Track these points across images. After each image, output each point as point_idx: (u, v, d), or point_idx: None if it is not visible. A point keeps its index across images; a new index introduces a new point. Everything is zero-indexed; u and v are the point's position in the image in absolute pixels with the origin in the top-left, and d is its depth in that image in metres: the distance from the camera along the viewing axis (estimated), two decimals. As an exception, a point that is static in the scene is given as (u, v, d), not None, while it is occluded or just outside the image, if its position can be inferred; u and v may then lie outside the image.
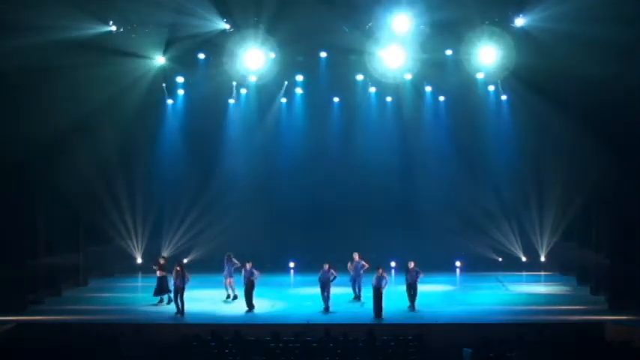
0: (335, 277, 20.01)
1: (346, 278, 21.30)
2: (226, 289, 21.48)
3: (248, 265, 20.20)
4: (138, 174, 27.03)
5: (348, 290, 21.35)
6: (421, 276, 20.15)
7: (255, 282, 20.10)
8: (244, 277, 20.17)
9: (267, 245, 26.97)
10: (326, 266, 20.04)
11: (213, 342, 15.48)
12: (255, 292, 20.12)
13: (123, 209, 26.63)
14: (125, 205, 26.64)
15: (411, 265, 20.18)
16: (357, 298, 21.32)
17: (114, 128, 24.88)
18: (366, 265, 21.27)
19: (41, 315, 19.49)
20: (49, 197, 23.38)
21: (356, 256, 21.44)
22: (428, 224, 27.46)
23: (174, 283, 19.73)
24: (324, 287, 19.96)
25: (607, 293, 20.65)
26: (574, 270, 25.23)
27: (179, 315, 19.39)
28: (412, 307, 19.91)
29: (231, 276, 21.39)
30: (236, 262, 21.28)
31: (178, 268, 19.90)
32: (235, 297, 21.28)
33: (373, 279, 19.45)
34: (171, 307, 19.90)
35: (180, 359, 14.90)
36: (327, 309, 19.81)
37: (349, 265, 21.43)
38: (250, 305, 19.96)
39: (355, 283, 21.36)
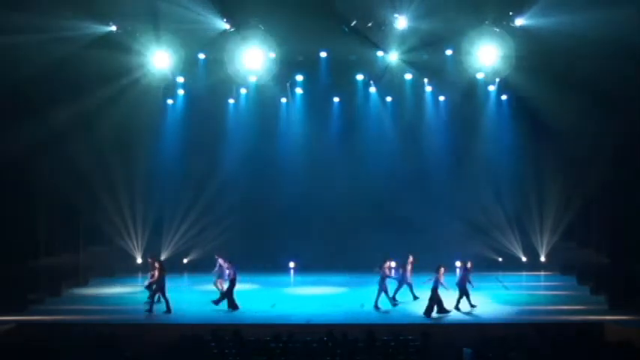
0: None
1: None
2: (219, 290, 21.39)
3: (227, 265, 20.21)
4: (138, 174, 27.03)
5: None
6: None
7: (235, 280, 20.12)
8: (229, 276, 20.10)
9: (267, 245, 26.94)
10: (393, 264, 20.32)
11: (213, 342, 15.46)
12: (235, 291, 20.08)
13: (123, 209, 26.65)
14: (125, 205, 26.66)
15: (469, 264, 20.09)
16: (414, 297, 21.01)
17: (114, 129, 24.92)
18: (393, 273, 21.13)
19: (41, 315, 19.45)
20: (49, 197, 23.40)
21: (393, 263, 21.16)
22: (428, 224, 27.41)
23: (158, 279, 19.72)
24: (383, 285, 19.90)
25: (607, 293, 20.64)
26: (574, 270, 25.21)
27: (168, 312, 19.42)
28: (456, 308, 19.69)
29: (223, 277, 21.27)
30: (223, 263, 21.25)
31: (157, 264, 19.96)
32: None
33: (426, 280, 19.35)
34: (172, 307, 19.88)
35: (180, 359, 14.88)
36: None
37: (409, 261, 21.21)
38: (233, 305, 19.89)
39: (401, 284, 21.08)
